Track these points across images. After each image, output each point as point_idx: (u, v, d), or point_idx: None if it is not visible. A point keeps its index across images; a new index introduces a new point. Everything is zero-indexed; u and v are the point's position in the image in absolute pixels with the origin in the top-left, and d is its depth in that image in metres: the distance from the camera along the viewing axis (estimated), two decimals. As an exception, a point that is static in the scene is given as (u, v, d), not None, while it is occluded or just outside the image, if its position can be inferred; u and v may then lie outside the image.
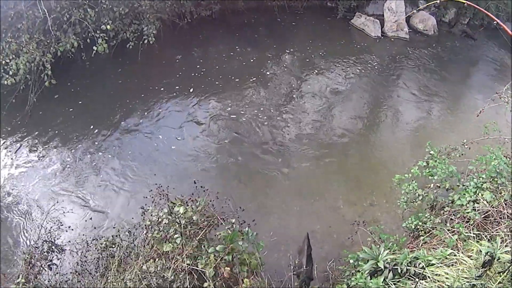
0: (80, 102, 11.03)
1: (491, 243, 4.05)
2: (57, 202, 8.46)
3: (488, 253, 3.89)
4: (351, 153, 10.25)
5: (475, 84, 14.32)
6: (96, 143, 9.98)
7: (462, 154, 7.22)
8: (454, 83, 13.87)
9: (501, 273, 3.89)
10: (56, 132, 10.27)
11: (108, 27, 10.79)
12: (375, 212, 8.61)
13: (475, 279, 3.95)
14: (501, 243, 4.51)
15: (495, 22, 6.81)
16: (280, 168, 9.66)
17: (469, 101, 12.55)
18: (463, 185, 6.24)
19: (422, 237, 6.13)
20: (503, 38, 17.77)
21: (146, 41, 11.63)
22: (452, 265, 4.52)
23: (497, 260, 3.88)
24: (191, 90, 11.62)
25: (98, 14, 10.96)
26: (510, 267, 3.77)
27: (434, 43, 16.23)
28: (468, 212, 5.63)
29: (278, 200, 8.83)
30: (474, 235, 5.19)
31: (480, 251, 4.28)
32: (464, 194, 6.01)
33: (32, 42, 10.24)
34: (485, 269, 3.92)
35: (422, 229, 6.20)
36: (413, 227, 6.33)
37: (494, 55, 16.37)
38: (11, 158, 9.69)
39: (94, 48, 10.57)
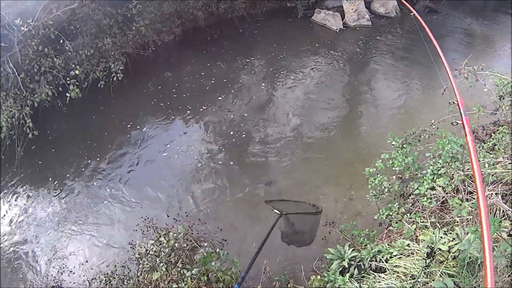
0: (53, 150, 11.23)
1: (432, 235, 4.43)
2: (57, 251, 8.80)
3: (428, 246, 4.31)
4: (327, 152, 10.52)
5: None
6: (52, 198, 10.08)
7: (432, 134, 7.52)
8: (423, 62, 13.97)
9: (442, 262, 4.31)
10: (35, 183, 10.50)
11: (77, 72, 11.10)
12: (355, 206, 8.90)
13: (423, 269, 4.37)
14: (450, 231, 4.92)
15: (412, 14, 6.89)
16: (259, 177, 9.98)
17: (440, 78, 12.72)
18: (421, 174, 6.57)
19: (392, 227, 6.51)
20: (466, 6, 18.17)
21: (115, 78, 11.94)
22: (409, 255, 4.94)
23: (439, 250, 4.29)
24: (144, 129, 11.71)
25: (65, 60, 11.30)
26: (449, 256, 4.20)
27: (398, 24, 16.55)
28: (423, 201, 5.90)
29: (261, 209, 8.97)
30: (431, 223, 5.52)
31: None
32: (423, 182, 6.20)
33: (9, 98, 10.55)
34: (430, 259, 4.33)
35: (391, 219, 6.57)
36: (384, 218, 6.64)
37: (459, 25, 16.74)
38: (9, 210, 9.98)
39: (68, 94, 10.87)
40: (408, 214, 6.14)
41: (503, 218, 4.66)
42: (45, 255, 8.75)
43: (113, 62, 12.18)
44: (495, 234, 3.80)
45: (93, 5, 11.95)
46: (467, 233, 4.18)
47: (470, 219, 5.01)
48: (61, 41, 11.21)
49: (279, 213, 6.07)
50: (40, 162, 10.98)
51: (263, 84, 13.24)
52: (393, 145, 7.33)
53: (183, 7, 14.45)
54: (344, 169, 9.92)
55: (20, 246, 9.08)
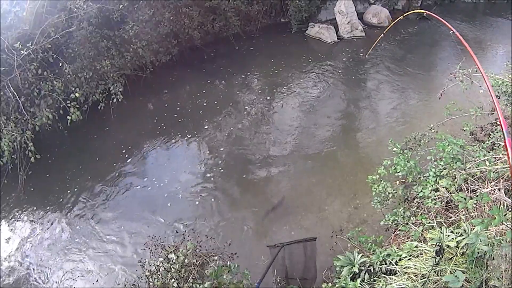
0: (47, 175, 11.19)
1: (439, 233, 4.46)
2: (65, 273, 8.76)
3: (437, 243, 4.34)
4: (329, 163, 10.60)
5: (439, 65, 14.80)
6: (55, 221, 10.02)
7: (432, 139, 7.60)
8: (419, 68, 14.40)
9: (451, 259, 4.35)
10: (38, 208, 10.43)
11: (77, 94, 11.13)
12: (361, 214, 8.98)
13: (433, 267, 4.39)
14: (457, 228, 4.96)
15: (452, 31, 6.95)
16: (263, 192, 10.03)
17: (437, 83, 12.73)
18: (424, 176, 6.62)
19: (399, 231, 6.55)
20: (457, 11, 18.49)
21: (115, 100, 11.98)
22: (418, 256, 4.96)
23: (447, 247, 4.32)
24: (137, 157, 11.54)
25: (65, 83, 11.33)
26: (457, 252, 4.23)
27: (391, 33, 16.65)
28: (428, 203, 5.95)
29: (267, 223, 9.16)
30: (438, 223, 5.55)
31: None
32: (426, 185, 6.27)
33: (10, 122, 10.55)
34: (439, 257, 4.36)
35: (397, 223, 6.61)
36: (391, 223, 6.68)
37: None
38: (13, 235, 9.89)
39: (68, 117, 10.82)
40: (414, 217, 6.17)
41: (508, 211, 4.72)
42: (53, 277, 8.73)
43: (112, 84, 12.26)
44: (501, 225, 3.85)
45: (90, 27, 12.11)
46: (473, 228, 4.21)
47: (475, 216, 5.06)
48: (60, 64, 11.27)
49: (280, 245, 6.72)
50: (40, 187, 10.94)
51: (260, 100, 13.33)
52: (394, 151, 7.37)
53: (179, 27, 14.62)
54: (347, 179, 9.99)
55: (26, 270, 9.02)
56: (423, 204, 6.31)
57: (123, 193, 10.48)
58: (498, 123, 7.50)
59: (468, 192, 5.66)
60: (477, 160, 6.09)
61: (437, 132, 7.51)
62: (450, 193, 5.88)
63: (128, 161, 11.41)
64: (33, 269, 9.01)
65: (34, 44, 10.72)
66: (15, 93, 10.52)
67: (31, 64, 10.80)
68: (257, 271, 7.00)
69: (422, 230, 5.55)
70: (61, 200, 10.49)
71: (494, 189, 5.14)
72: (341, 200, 9.45)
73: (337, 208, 9.24)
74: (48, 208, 10.36)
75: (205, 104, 13.29)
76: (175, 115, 12.85)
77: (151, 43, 13.93)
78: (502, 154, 5.92)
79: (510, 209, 4.73)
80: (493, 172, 5.43)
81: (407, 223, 6.21)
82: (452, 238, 4.26)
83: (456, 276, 3.61)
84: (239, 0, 16.12)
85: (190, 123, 12.46)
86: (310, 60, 15.29)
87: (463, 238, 4.13)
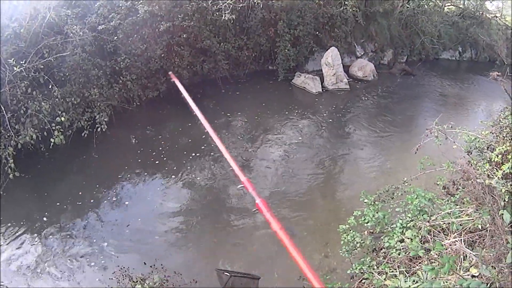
0: (20, 193, 10.97)
1: (395, 281, 4.65)
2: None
3: (394, 291, 4.53)
4: (304, 212, 10.65)
5: (417, 120, 15.47)
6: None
7: (405, 192, 7.74)
8: (398, 123, 14.96)
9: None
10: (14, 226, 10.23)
11: (63, 119, 11.20)
12: (330, 262, 9.00)
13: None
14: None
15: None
16: (233, 237, 10.01)
17: (414, 138, 12.69)
18: (391, 227, 6.84)
19: (364, 280, 6.71)
20: (441, 68, 19.40)
21: (99, 129, 12.13)
22: (378, 302, 5.12)
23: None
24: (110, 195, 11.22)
25: (52, 105, 11.44)
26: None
27: (375, 87, 17.53)
28: (392, 253, 6.14)
29: (241, 264, 9.11)
30: (400, 273, 5.73)
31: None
32: (393, 236, 6.51)
33: (-7, 137, 10.51)
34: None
35: (363, 272, 6.77)
36: (357, 271, 6.83)
37: (433, 87, 17.87)
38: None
39: (52, 140, 10.92)
40: (378, 266, 6.35)
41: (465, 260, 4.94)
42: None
43: (98, 112, 12.45)
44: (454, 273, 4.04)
45: (83, 54, 12.42)
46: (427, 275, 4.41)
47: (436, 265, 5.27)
48: (50, 86, 11.43)
49: (228, 275, 7.09)
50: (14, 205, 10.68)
51: (241, 145, 13.47)
52: (365, 202, 7.60)
53: (169, 64, 14.97)
54: (320, 228, 10.07)
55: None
56: (389, 254, 6.52)
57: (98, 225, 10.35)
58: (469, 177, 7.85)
59: (431, 243, 5.89)
60: (443, 212, 6.36)
61: (410, 185, 7.72)
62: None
63: (103, 193, 11.28)
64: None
65: (28, 63, 10.95)
66: (3, 108, 10.62)
67: (22, 82, 10.96)
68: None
69: (384, 279, 5.72)
70: (30, 221, 10.30)
71: (456, 241, 5.37)
72: (312, 247, 9.48)
73: (308, 255, 9.14)
74: (18, 227, 10.17)
75: (186, 143, 13.36)
76: (155, 152, 12.85)
77: (140, 77, 14.27)
78: (468, 208, 6.20)
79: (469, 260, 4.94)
80: (457, 224, 5.68)
81: (372, 272, 6.38)
82: (409, 286, 4.45)
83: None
84: (230, 44, 16.57)
85: (170, 161, 12.47)
86: (293, 109, 15.64)
87: (418, 286, 4.32)
